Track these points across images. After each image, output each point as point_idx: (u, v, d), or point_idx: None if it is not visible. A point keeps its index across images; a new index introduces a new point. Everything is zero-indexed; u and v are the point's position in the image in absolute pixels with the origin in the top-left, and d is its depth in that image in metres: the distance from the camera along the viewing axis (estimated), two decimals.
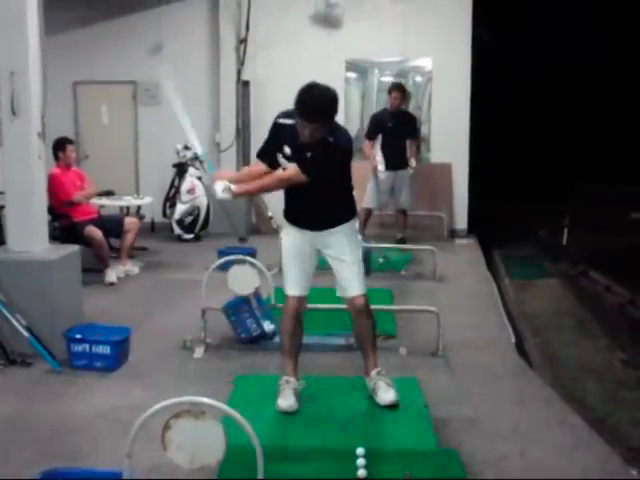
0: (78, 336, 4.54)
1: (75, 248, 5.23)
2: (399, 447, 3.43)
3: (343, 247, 3.89)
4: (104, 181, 7.95)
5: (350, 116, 9.60)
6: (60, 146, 6.98)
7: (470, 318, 5.79)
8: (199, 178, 9.14)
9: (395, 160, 8.26)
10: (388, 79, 9.59)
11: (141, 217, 8.50)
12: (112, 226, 7.20)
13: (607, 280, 7.76)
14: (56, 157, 6.95)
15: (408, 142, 8.36)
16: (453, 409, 3.96)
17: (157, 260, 8.09)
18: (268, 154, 3.89)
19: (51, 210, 6.18)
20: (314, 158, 3.67)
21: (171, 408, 2.64)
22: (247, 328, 4.98)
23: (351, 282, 3.91)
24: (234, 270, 4.98)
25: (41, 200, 5.10)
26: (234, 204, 8.95)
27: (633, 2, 12.32)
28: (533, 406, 4.08)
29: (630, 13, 13.41)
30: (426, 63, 9.75)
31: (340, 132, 3.83)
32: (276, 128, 3.84)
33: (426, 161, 9.75)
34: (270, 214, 8.74)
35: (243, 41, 9.51)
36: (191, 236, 9.20)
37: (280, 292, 4.27)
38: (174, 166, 9.29)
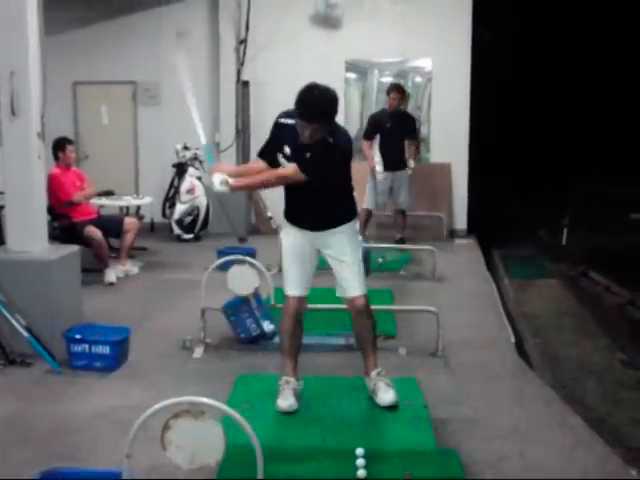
0: (78, 336, 4.54)
1: (75, 248, 5.23)
2: (399, 447, 3.42)
3: (343, 247, 3.89)
4: (104, 181, 7.96)
5: (350, 116, 9.60)
6: (60, 146, 6.98)
7: (470, 318, 5.79)
8: (199, 178, 9.15)
9: (393, 161, 8.26)
10: (388, 79, 9.57)
11: (141, 217, 8.51)
12: (112, 226, 7.20)
13: (607, 280, 7.76)
14: (56, 157, 6.95)
15: (407, 143, 8.33)
16: (453, 409, 3.96)
17: (157, 260, 8.09)
18: (269, 153, 3.89)
19: (51, 210, 6.18)
20: (314, 158, 3.67)
21: (171, 408, 2.64)
22: (246, 328, 4.98)
23: (351, 282, 3.90)
24: (234, 270, 4.98)
25: (41, 200, 5.10)
26: (234, 204, 9.00)
27: (633, 2, 12.32)
28: (533, 406, 4.07)
29: (630, 13, 13.42)
30: (426, 63, 9.75)
31: (340, 132, 3.83)
32: (277, 128, 3.84)
33: (426, 161, 9.75)
34: (270, 214, 8.73)
35: (243, 41, 9.50)
36: (191, 236, 9.20)
37: (280, 292, 4.27)
38: (174, 166, 9.30)
